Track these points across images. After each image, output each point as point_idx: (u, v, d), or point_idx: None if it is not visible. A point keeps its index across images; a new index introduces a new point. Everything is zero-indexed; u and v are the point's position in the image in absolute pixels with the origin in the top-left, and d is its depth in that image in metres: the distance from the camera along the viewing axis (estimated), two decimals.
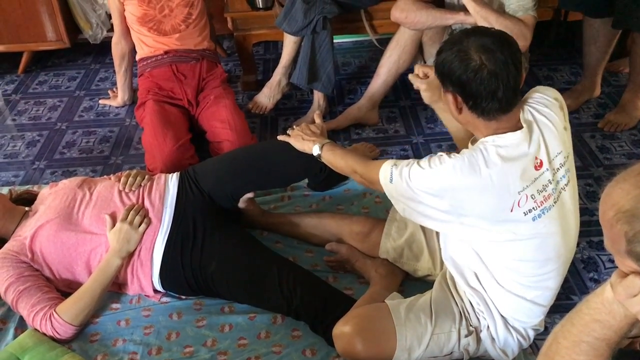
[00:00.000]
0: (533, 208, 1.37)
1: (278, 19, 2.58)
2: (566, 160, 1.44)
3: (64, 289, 1.81)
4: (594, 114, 2.70)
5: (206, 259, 1.78)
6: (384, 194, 1.51)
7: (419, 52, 2.64)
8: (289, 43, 2.67)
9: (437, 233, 1.73)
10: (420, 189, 1.39)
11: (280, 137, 1.88)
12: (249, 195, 2.01)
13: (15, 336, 1.74)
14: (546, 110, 1.42)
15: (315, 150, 1.73)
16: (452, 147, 2.47)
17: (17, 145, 2.70)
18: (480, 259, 1.48)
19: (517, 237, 1.40)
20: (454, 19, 2.30)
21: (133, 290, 1.85)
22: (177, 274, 1.80)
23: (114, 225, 1.79)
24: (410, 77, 1.63)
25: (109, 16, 3.09)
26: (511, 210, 1.36)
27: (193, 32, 2.58)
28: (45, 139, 2.73)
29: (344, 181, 2.24)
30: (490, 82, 1.30)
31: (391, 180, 1.44)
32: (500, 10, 2.20)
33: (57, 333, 1.69)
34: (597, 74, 2.69)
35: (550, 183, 1.39)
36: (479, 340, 1.56)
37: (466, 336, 1.54)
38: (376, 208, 2.15)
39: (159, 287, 1.84)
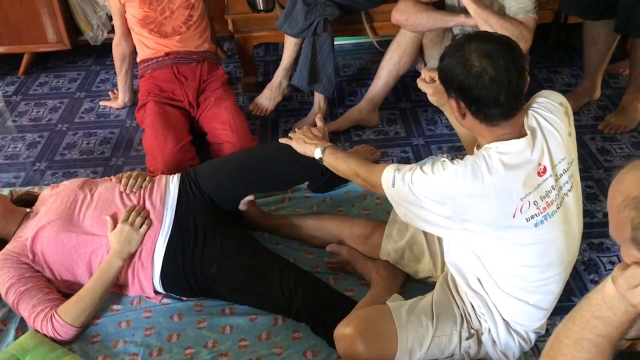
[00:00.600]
0: (536, 214, 1.37)
1: (279, 21, 2.58)
2: (569, 166, 1.43)
3: (64, 290, 1.81)
4: (594, 116, 2.70)
5: (207, 261, 1.78)
6: (385, 196, 1.51)
7: (419, 54, 2.64)
8: (290, 45, 2.67)
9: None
10: (423, 194, 1.39)
11: (282, 140, 1.88)
12: (250, 197, 2.01)
13: (16, 337, 1.74)
14: (550, 116, 1.41)
15: (317, 154, 1.73)
16: (453, 149, 2.48)
17: (17, 147, 2.70)
18: (482, 264, 1.48)
19: (520, 243, 1.40)
20: (455, 21, 2.31)
21: (134, 291, 1.85)
22: (178, 276, 1.80)
23: (115, 226, 1.80)
24: (418, 81, 1.63)
25: (110, 18, 3.09)
26: (513, 217, 1.35)
27: (194, 34, 2.59)
28: (46, 140, 2.73)
29: (345, 183, 2.24)
30: (491, 87, 1.30)
31: (393, 185, 1.44)
32: (501, 13, 2.20)
33: (58, 334, 1.69)
34: (597, 76, 2.69)
35: (553, 189, 1.39)
36: (480, 342, 1.56)
37: (467, 339, 1.54)
38: (377, 210, 2.15)
39: (159, 289, 1.84)
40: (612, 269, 1.97)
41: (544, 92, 1.49)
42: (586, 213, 2.12)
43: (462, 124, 1.43)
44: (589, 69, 2.68)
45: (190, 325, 1.78)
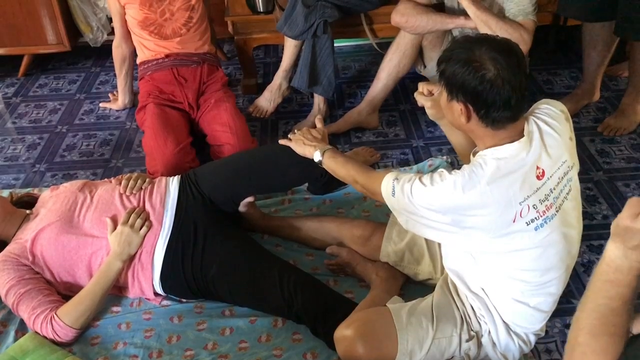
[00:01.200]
0: (535, 218, 1.37)
1: (279, 23, 2.58)
2: (570, 170, 1.44)
3: (64, 292, 1.81)
4: (594, 118, 2.70)
5: (207, 262, 1.78)
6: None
7: (419, 56, 2.64)
8: (290, 47, 2.68)
9: None
10: (422, 206, 1.40)
11: (281, 142, 1.88)
12: (250, 199, 2.01)
13: (15, 339, 1.74)
14: (551, 121, 1.42)
15: (317, 157, 1.73)
16: (452, 151, 2.48)
17: (17, 148, 2.70)
18: (482, 269, 1.49)
19: (520, 246, 1.40)
20: (454, 23, 2.31)
21: (134, 293, 1.85)
22: (178, 277, 1.80)
23: (115, 228, 1.80)
24: (416, 95, 1.63)
25: (110, 19, 3.09)
26: (514, 221, 1.36)
27: (194, 35, 2.59)
28: (46, 142, 2.73)
29: (344, 185, 2.24)
30: (504, 90, 1.30)
31: (393, 194, 1.45)
32: (500, 15, 2.20)
33: (58, 336, 1.69)
34: (596, 78, 2.70)
35: (552, 192, 1.39)
36: (480, 344, 1.56)
37: (467, 341, 1.54)
38: (377, 211, 2.15)
39: (159, 290, 1.84)
40: None
41: (546, 100, 1.50)
42: (586, 215, 2.13)
43: (462, 127, 1.42)
44: (588, 71, 2.68)
45: (190, 327, 1.78)
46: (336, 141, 2.59)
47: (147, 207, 1.86)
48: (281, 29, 2.57)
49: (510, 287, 1.48)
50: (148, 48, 2.57)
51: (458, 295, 1.59)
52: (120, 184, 1.92)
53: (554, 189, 1.40)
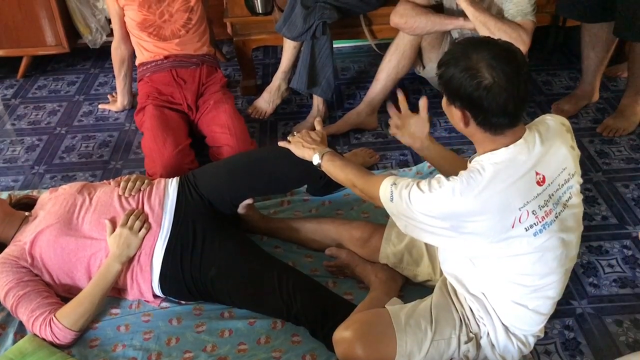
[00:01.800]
0: (534, 223, 1.37)
1: (278, 24, 2.58)
2: (571, 177, 1.43)
3: (63, 294, 1.81)
4: (593, 119, 2.70)
5: (206, 264, 1.78)
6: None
7: (418, 57, 2.65)
8: (289, 48, 2.68)
9: None
10: (421, 212, 1.39)
11: (280, 143, 1.88)
12: (249, 200, 2.01)
13: (14, 341, 1.74)
14: (552, 129, 1.43)
15: (316, 159, 1.73)
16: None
17: (16, 150, 2.70)
18: (481, 272, 1.48)
19: (519, 251, 1.39)
20: (453, 25, 2.31)
21: (133, 295, 1.84)
22: (177, 279, 1.80)
23: (114, 230, 1.80)
24: (390, 130, 1.78)
25: (109, 21, 3.10)
26: (512, 227, 1.35)
27: (193, 37, 2.59)
28: (45, 143, 2.73)
29: (343, 187, 2.24)
30: (501, 97, 1.29)
31: (391, 200, 1.45)
32: (499, 16, 2.20)
33: (57, 338, 1.69)
34: (595, 79, 2.70)
35: (552, 198, 1.39)
36: (478, 346, 1.56)
37: (466, 342, 1.54)
38: (376, 213, 2.15)
39: (158, 292, 1.83)
40: (610, 272, 1.99)
41: (548, 115, 1.51)
42: (585, 216, 2.11)
43: (462, 131, 1.42)
44: (588, 71, 2.68)
45: (189, 329, 1.77)
46: (335, 142, 2.59)
47: (146, 208, 1.86)
48: (280, 30, 2.57)
49: (509, 291, 1.48)
50: (147, 49, 2.57)
51: (457, 297, 1.58)
52: (119, 185, 1.92)
53: (554, 195, 1.39)
